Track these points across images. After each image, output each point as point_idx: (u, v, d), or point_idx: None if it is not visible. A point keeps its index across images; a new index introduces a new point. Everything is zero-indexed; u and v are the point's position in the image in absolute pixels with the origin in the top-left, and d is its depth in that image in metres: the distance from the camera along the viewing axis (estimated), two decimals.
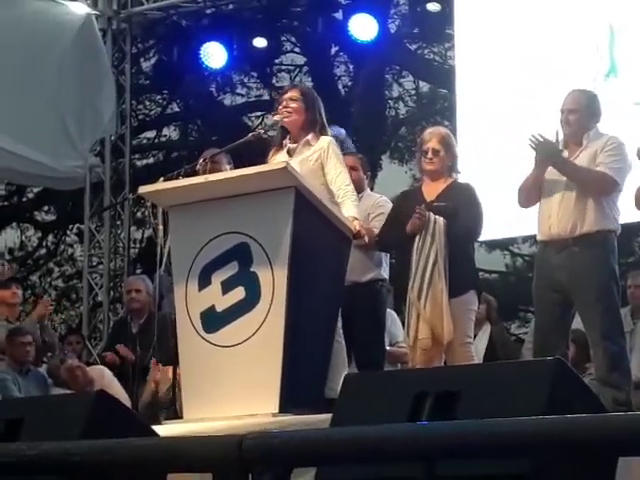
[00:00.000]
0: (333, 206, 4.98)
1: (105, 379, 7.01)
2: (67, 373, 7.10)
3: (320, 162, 5.28)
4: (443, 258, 5.38)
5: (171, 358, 6.50)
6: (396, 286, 6.65)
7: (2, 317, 7.73)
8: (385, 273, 6.09)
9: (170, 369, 6.69)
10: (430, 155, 5.67)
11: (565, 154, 5.55)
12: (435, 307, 5.36)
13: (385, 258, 6.13)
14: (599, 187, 5.43)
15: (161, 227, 5.23)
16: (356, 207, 5.24)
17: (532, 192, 5.58)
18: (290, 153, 5.34)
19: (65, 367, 7.12)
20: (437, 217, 5.45)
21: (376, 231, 5.89)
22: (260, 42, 11.01)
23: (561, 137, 5.56)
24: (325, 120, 5.45)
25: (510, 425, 1.86)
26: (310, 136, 5.35)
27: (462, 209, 5.53)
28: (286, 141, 5.41)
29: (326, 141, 5.34)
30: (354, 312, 5.56)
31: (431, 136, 5.76)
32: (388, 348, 6.58)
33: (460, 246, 5.49)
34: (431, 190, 5.70)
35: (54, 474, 2.48)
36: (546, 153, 5.43)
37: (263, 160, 5.41)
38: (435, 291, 5.37)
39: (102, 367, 7.27)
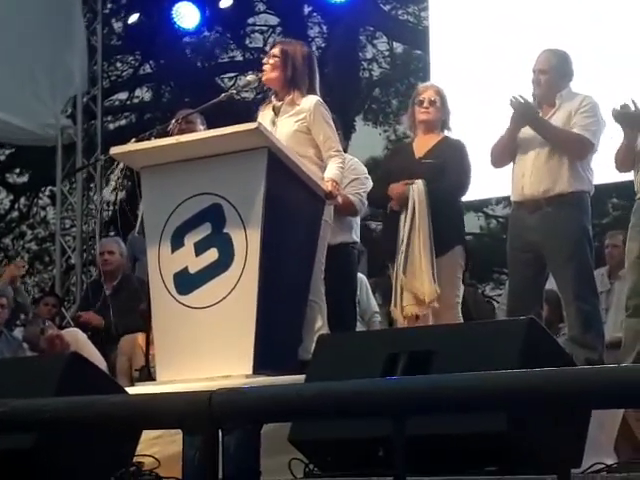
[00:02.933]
0: (306, 167, 4.95)
1: (79, 342, 6.99)
2: (47, 343, 7.07)
3: (306, 125, 5.15)
4: (423, 219, 5.39)
5: (140, 323, 6.52)
6: (378, 254, 6.65)
7: None
8: (356, 236, 6.09)
9: (138, 336, 6.74)
10: (426, 104, 5.69)
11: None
12: (413, 269, 5.36)
13: (356, 221, 6.13)
14: (575, 149, 5.44)
15: (113, 183, 5.17)
16: (338, 170, 5.09)
17: (505, 151, 5.58)
18: (275, 111, 5.26)
19: (45, 338, 7.08)
20: (417, 181, 5.43)
21: (351, 197, 5.88)
22: (226, 2, 10.84)
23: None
24: (315, 82, 5.29)
25: (482, 378, 1.87)
26: (295, 94, 5.19)
27: (450, 165, 5.56)
28: (273, 99, 5.33)
29: (312, 102, 5.15)
30: (325, 274, 5.55)
31: (427, 88, 5.85)
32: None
33: (445, 203, 5.50)
34: (421, 145, 5.70)
35: (25, 431, 2.48)
36: (524, 112, 5.43)
37: (236, 121, 5.36)
38: (413, 255, 5.37)
39: (76, 330, 7.24)
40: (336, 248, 5.75)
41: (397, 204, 5.53)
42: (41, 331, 7.19)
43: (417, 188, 5.45)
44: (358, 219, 6.19)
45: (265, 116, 5.22)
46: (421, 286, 5.33)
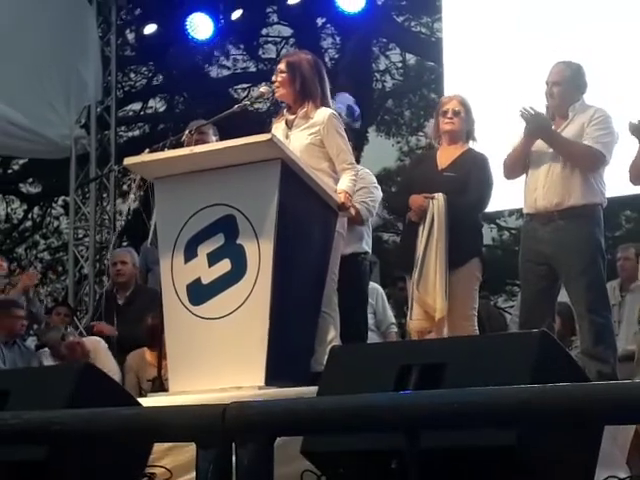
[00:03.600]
0: (319, 178, 4.95)
1: (100, 351, 7.02)
2: (67, 349, 7.09)
3: (320, 138, 5.14)
4: (441, 234, 5.37)
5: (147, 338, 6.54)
6: (391, 266, 6.64)
7: None
8: (367, 246, 6.09)
9: (145, 351, 6.76)
10: (450, 115, 5.69)
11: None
12: (426, 285, 5.35)
13: (367, 231, 6.14)
14: (587, 161, 5.43)
15: (132, 196, 5.19)
16: (352, 182, 5.10)
17: (518, 164, 5.57)
18: (289, 125, 5.26)
19: (66, 344, 7.10)
20: (437, 196, 5.42)
21: (358, 206, 5.88)
22: (237, 14, 10.86)
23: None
24: (326, 89, 5.26)
25: (495, 393, 1.87)
26: (308, 107, 5.18)
27: (472, 179, 5.55)
28: (286, 112, 5.34)
29: (325, 114, 5.14)
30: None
31: (451, 98, 5.84)
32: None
33: (464, 217, 5.49)
34: (445, 156, 5.69)
35: (38, 443, 2.48)
36: (537, 125, 5.42)
37: (249, 132, 5.37)
38: (427, 270, 5.36)
39: (99, 339, 7.25)
40: (347, 258, 5.75)
41: (416, 216, 5.52)
42: (62, 337, 7.21)
43: (437, 203, 5.43)
44: (370, 229, 6.18)
45: (277, 130, 5.22)
46: (433, 302, 5.33)
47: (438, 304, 5.32)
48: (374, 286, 6.72)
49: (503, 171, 5.67)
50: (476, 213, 5.72)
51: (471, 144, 5.79)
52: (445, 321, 5.34)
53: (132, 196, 5.16)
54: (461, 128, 5.71)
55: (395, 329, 7.30)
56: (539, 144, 5.49)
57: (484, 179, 5.62)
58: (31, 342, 7.94)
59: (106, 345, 7.13)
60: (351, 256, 5.84)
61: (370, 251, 6.18)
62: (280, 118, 5.34)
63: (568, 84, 5.55)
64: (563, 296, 5.81)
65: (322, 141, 5.13)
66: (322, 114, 5.15)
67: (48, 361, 7.19)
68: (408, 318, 5.54)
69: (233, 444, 2.05)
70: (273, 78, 5.33)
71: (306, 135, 5.15)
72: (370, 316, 6.56)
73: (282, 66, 5.30)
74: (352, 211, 5.33)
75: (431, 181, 5.59)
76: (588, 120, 5.46)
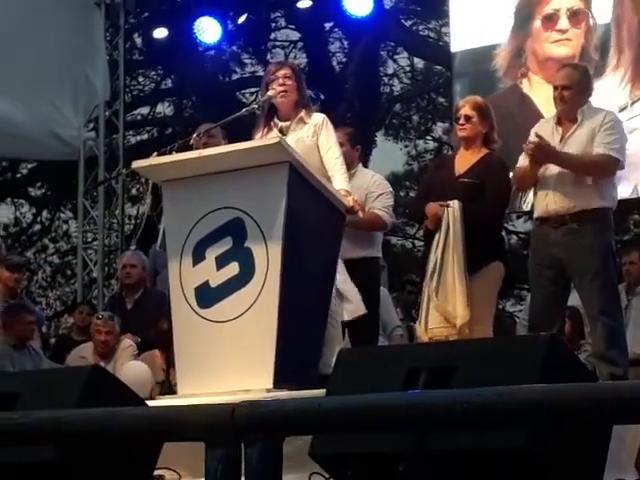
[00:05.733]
0: (327, 181, 4.97)
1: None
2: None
3: (316, 138, 5.28)
4: (457, 242, 5.31)
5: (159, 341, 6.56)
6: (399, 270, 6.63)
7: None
8: (378, 252, 6.10)
9: (156, 352, 6.78)
10: (462, 121, 5.57)
11: (559, 131, 5.52)
12: (445, 292, 5.30)
13: (379, 237, 6.14)
14: (603, 169, 5.39)
15: (148, 200, 5.20)
16: (346, 180, 5.24)
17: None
18: (283, 131, 5.29)
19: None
20: (452, 203, 5.38)
21: (378, 212, 5.89)
22: (242, 18, 10.87)
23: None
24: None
25: (505, 392, 1.87)
26: (303, 113, 5.35)
27: (489, 185, 5.46)
28: (276, 120, 5.38)
29: (321, 117, 5.36)
30: None
31: (464, 103, 5.72)
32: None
33: (481, 223, 5.39)
34: (462, 162, 5.59)
35: (47, 443, 2.48)
36: (542, 155, 5.38)
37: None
38: (446, 277, 5.31)
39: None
40: (359, 262, 5.76)
41: (432, 224, 5.47)
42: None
43: (452, 211, 5.36)
44: (381, 234, 6.20)
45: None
46: (453, 310, 5.25)
47: (459, 311, 5.26)
48: (381, 289, 6.72)
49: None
50: (493, 218, 5.62)
51: (493, 146, 5.66)
52: (467, 327, 5.27)
53: (148, 200, 5.17)
54: (474, 133, 5.57)
55: (400, 331, 7.30)
56: None
57: (501, 184, 5.53)
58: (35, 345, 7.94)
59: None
60: (363, 260, 5.85)
61: (381, 256, 6.19)
62: (264, 127, 5.36)
63: (578, 87, 5.54)
64: (572, 300, 5.80)
65: (317, 142, 5.28)
66: (318, 117, 5.36)
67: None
68: (418, 323, 5.50)
69: (242, 444, 2.05)
70: (279, 82, 5.33)
71: (304, 138, 5.25)
72: None
73: (287, 72, 5.33)
74: (361, 214, 5.33)
75: (448, 187, 5.51)
76: (599, 125, 5.43)
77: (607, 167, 5.41)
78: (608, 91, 7.73)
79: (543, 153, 5.37)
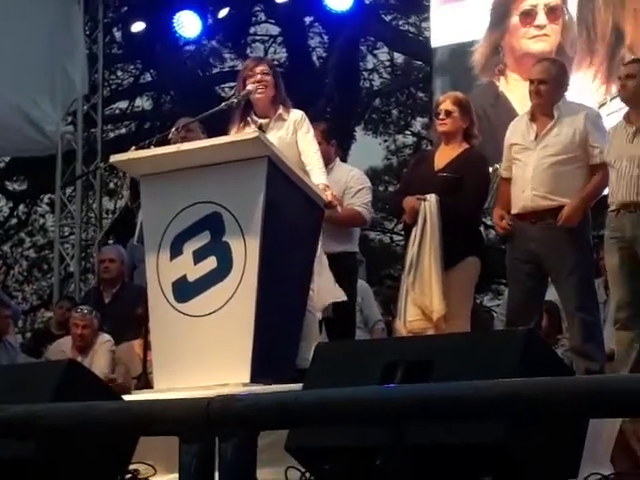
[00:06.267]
0: (305, 176, 4.96)
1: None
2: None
3: (295, 135, 5.26)
4: (434, 235, 5.32)
5: (136, 330, 6.53)
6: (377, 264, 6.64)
7: None
8: (356, 246, 6.10)
9: (134, 344, 6.75)
10: (442, 116, 5.59)
11: (533, 127, 5.50)
12: (422, 285, 5.32)
13: (356, 232, 6.14)
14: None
15: (126, 194, 5.19)
16: (324, 174, 5.23)
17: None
18: (263, 129, 5.27)
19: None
20: (429, 197, 5.39)
21: (358, 208, 5.89)
22: (223, 12, 10.83)
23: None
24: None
25: (482, 386, 1.87)
26: (281, 109, 5.34)
27: (468, 180, 5.47)
28: (254, 117, 5.36)
29: (299, 114, 5.36)
30: None
31: (445, 98, 5.74)
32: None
33: (458, 217, 5.40)
34: (442, 157, 5.60)
35: (24, 438, 2.46)
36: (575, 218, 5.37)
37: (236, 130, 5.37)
38: (422, 271, 5.33)
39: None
40: (337, 257, 5.75)
41: (409, 218, 5.47)
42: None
43: (429, 204, 5.37)
44: (359, 229, 6.20)
45: None
46: (430, 304, 5.28)
47: (435, 304, 5.27)
48: (361, 283, 6.73)
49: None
50: (471, 213, 5.64)
51: (473, 142, 5.67)
52: (443, 321, 5.28)
53: (126, 193, 5.15)
54: (454, 128, 5.58)
55: (382, 325, 7.31)
56: (522, 148, 5.48)
57: (480, 179, 5.54)
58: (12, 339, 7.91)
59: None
60: (342, 254, 5.85)
61: (358, 250, 6.20)
62: (239, 122, 5.34)
63: (554, 82, 5.53)
64: (550, 295, 5.82)
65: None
66: (297, 114, 5.35)
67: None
68: (398, 318, 5.50)
69: (217, 438, 2.04)
70: (258, 78, 5.31)
71: (284, 135, 5.26)
72: (357, 314, 6.56)
73: (264, 68, 5.33)
74: (339, 209, 5.33)
75: (427, 182, 5.52)
76: (581, 127, 5.38)
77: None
78: (584, 86, 7.75)
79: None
